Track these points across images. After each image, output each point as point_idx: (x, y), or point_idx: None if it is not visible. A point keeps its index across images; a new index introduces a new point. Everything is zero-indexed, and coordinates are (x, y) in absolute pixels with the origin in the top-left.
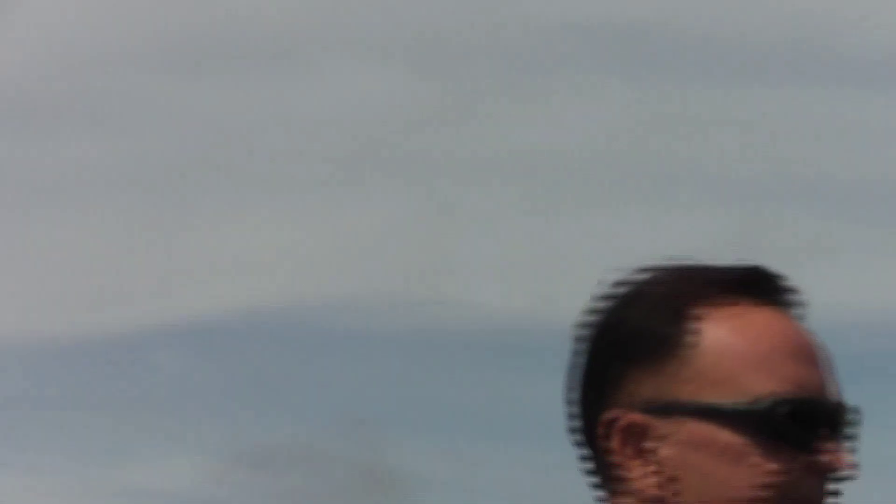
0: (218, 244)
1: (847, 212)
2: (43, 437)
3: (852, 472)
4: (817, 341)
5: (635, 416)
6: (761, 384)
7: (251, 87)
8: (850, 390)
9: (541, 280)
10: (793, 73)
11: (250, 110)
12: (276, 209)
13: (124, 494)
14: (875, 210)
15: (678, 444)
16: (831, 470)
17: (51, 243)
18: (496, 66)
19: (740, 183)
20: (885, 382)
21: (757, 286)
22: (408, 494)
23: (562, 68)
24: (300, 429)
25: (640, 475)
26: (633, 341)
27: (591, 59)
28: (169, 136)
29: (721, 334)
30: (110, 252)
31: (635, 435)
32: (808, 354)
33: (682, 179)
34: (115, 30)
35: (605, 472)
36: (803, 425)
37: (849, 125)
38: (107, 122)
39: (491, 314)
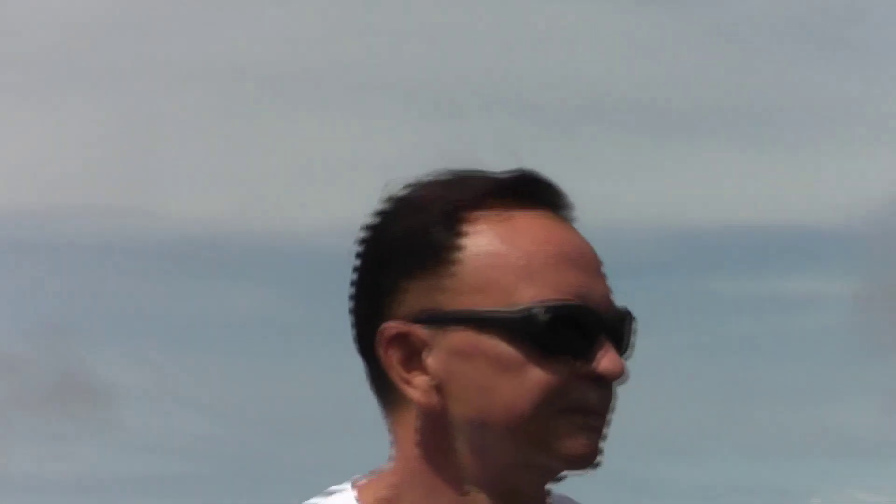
0: None
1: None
2: None
3: (624, 378)
4: (589, 246)
5: (403, 327)
6: (529, 291)
7: None
8: (624, 295)
9: (240, 190)
10: None
11: None
12: None
13: None
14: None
15: (445, 353)
16: (603, 376)
17: None
18: None
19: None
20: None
21: (526, 191)
22: (105, 403)
23: None
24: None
25: (411, 386)
26: (401, 251)
27: None
28: None
29: (488, 241)
30: None
31: (405, 346)
32: (579, 260)
33: (375, 89)
34: None
35: (384, 386)
36: (573, 332)
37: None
38: None
39: (187, 224)
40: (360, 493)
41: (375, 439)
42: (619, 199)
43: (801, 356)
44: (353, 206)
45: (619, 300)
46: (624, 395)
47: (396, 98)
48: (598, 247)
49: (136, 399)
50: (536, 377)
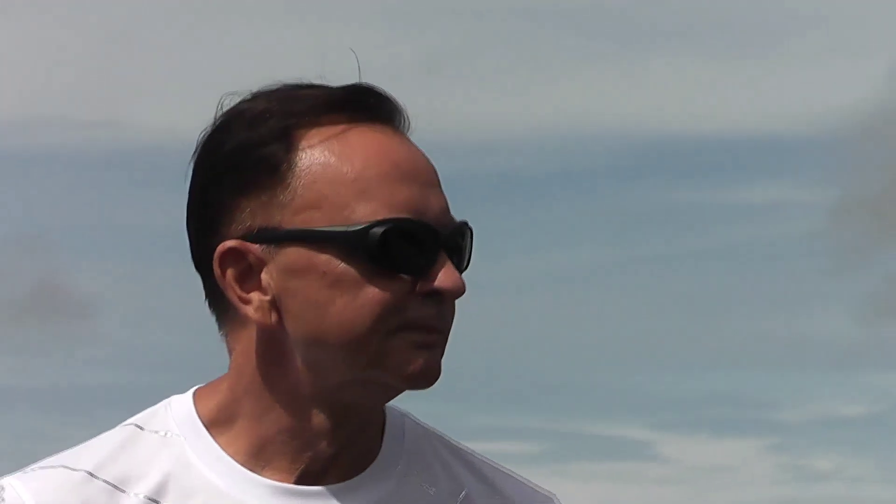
0: None
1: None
2: None
3: (461, 292)
4: (425, 160)
5: (238, 244)
6: (364, 208)
7: None
8: (588, 205)
9: (213, 100)
10: None
11: None
12: None
13: None
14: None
15: (279, 270)
16: (441, 292)
17: None
18: None
19: None
20: (625, 197)
21: (362, 104)
22: (84, 314)
23: None
24: None
25: (247, 304)
26: (235, 166)
27: None
28: None
29: (322, 156)
30: None
31: (241, 263)
32: (414, 174)
33: None
34: None
35: (220, 303)
36: (409, 248)
37: None
38: None
39: (160, 134)
40: (197, 400)
41: None
42: (585, 109)
43: (773, 266)
44: None
45: (583, 209)
46: (599, 304)
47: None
48: (564, 155)
49: (111, 310)
50: (372, 295)
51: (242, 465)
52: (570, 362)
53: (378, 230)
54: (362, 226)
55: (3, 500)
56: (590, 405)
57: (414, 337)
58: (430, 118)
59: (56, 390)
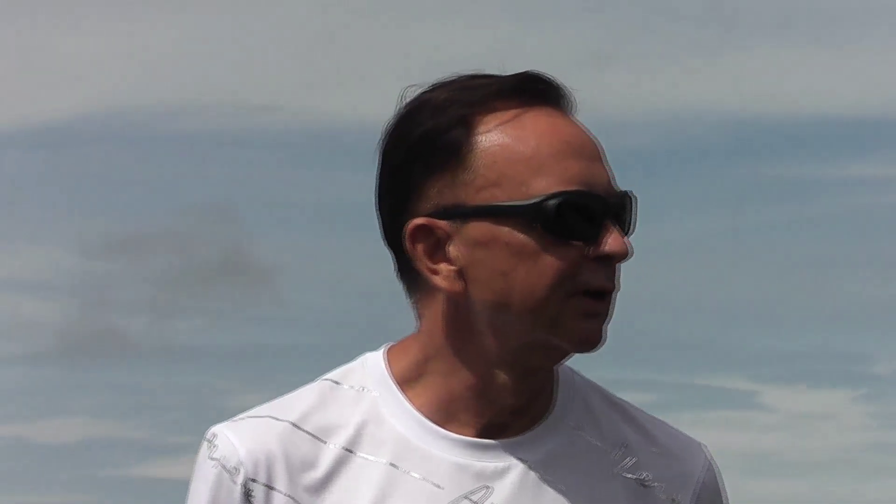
0: (54, 52)
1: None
2: None
3: (628, 255)
4: (589, 137)
5: (426, 221)
6: (539, 183)
7: None
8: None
9: (386, 86)
10: None
11: None
12: (111, 16)
13: None
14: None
15: (465, 243)
16: (609, 255)
17: None
18: None
19: None
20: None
21: (531, 89)
22: (264, 280)
23: None
24: (160, 219)
25: (437, 274)
26: (421, 152)
27: None
28: None
29: (499, 138)
30: None
31: (429, 239)
32: (581, 150)
33: None
34: None
35: (411, 276)
36: (581, 217)
37: None
38: None
39: (331, 119)
40: (389, 356)
41: None
42: (698, 95)
43: (867, 233)
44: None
45: (697, 182)
46: (709, 270)
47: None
48: (682, 136)
49: (289, 277)
50: (549, 262)
51: (429, 419)
52: (684, 322)
53: (553, 202)
54: (539, 199)
55: (215, 446)
56: (701, 360)
57: (585, 305)
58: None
59: (240, 350)
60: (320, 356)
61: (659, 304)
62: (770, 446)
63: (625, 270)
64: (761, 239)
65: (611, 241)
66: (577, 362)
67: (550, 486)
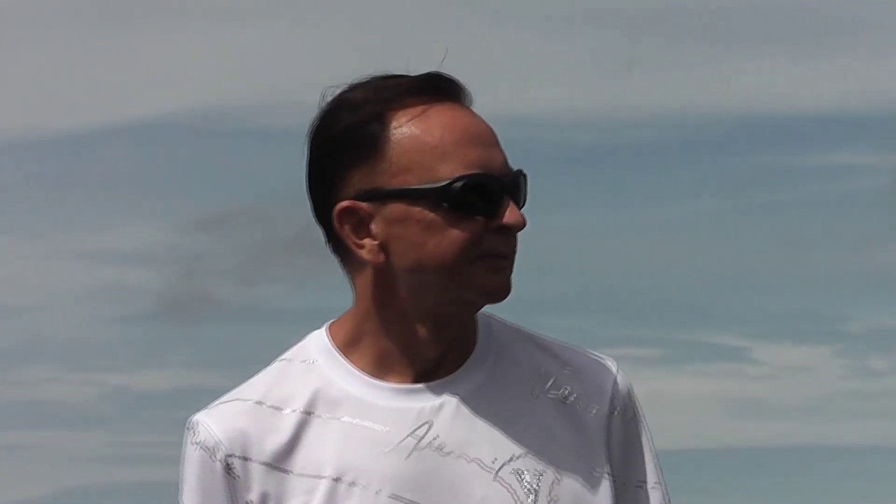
0: (157, 53)
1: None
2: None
3: (522, 225)
4: (486, 126)
5: (351, 204)
6: (445, 168)
7: None
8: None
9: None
10: None
11: None
12: (208, 22)
13: (87, 256)
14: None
15: (384, 221)
16: (508, 227)
17: (14, 58)
18: None
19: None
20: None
21: (436, 87)
22: None
23: None
24: (246, 200)
25: (361, 248)
26: (343, 144)
27: None
28: None
29: (409, 130)
30: (66, 64)
31: (354, 219)
32: (479, 137)
33: None
34: None
35: (341, 251)
36: (481, 196)
37: None
38: None
39: None
40: (330, 331)
41: None
42: (705, 94)
43: (847, 213)
44: None
45: (699, 169)
46: (710, 243)
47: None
48: (687, 129)
49: None
50: (456, 235)
51: (370, 375)
52: (685, 286)
53: (457, 185)
54: (445, 182)
55: (196, 432)
56: (702, 320)
57: (489, 263)
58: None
59: (313, 312)
60: None
61: (668, 272)
62: (759, 394)
63: (638, 243)
64: (754, 217)
65: (508, 215)
66: (596, 326)
67: (482, 414)
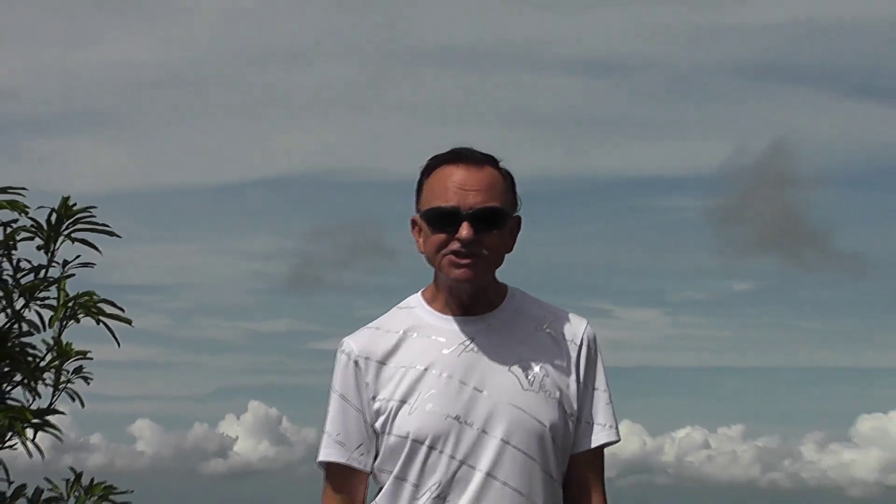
0: (278, 138)
1: None
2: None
3: (468, 240)
4: (477, 177)
5: (414, 217)
6: (431, 201)
7: None
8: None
9: None
10: None
11: None
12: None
13: (242, 254)
14: None
15: (420, 228)
16: (458, 240)
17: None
18: None
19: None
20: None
21: (453, 155)
22: (389, 254)
23: None
24: (343, 221)
25: (417, 240)
26: (417, 186)
27: None
28: None
29: (430, 181)
30: (223, 136)
31: (416, 226)
32: (463, 185)
33: None
34: None
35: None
36: (448, 219)
37: None
38: None
39: None
40: (422, 293)
41: None
42: (596, 163)
43: (674, 234)
44: None
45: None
46: (596, 249)
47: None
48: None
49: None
50: (434, 240)
51: (439, 312)
52: (582, 274)
53: (432, 212)
54: (427, 209)
55: (342, 345)
56: (587, 293)
57: (450, 260)
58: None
59: (379, 288)
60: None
61: (573, 266)
62: (618, 338)
63: (561, 251)
64: (624, 235)
65: (461, 232)
66: (535, 293)
67: (503, 336)
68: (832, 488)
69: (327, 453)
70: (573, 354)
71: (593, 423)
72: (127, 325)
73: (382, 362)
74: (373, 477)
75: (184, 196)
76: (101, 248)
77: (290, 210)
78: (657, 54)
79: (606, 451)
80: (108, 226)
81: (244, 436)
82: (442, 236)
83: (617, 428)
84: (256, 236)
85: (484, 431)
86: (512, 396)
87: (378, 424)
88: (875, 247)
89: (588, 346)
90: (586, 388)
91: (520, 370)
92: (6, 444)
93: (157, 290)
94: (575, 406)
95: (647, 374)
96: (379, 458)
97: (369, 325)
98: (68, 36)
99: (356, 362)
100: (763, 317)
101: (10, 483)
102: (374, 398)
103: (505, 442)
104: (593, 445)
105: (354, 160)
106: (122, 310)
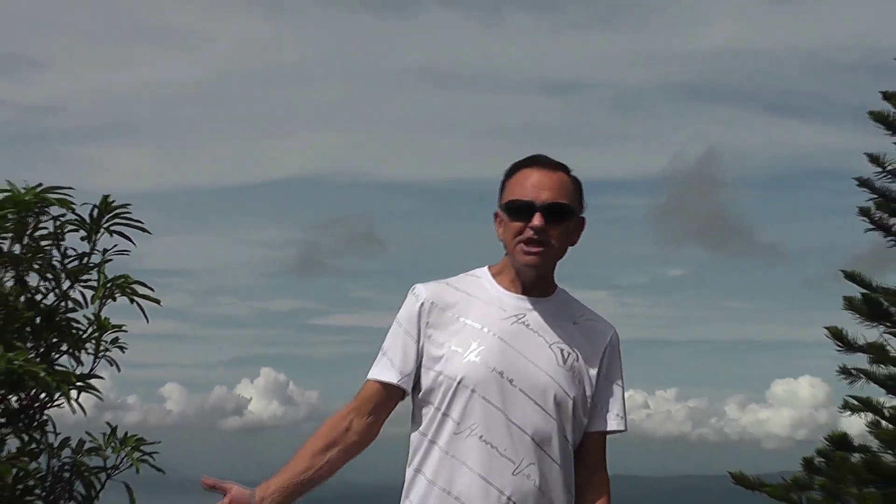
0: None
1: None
2: (213, 225)
3: (539, 228)
4: (551, 180)
5: (497, 211)
6: (510, 195)
7: None
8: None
9: None
10: None
11: None
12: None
13: (252, 243)
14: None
15: (501, 219)
16: (531, 227)
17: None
18: None
19: None
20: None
21: (532, 160)
22: (378, 244)
23: None
24: (344, 214)
25: (498, 229)
26: (502, 184)
27: None
28: None
29: (511, 180)
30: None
31: (497, 217)
32: (539, 184)
33: None
34: None
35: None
36: (524, 211)
37: None
38: None
39: None
40: (490, 268)
41: None
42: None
43: (621, 229)
44: None
45: None
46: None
47: None
48: None
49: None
50: (512, 227)
51: (503, 287)
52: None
53: (511, 204)
54: (507, 202)
55: (414, 289)
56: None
57: (522, 248)
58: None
59: (371, 272)
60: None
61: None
62: None
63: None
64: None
65: (533, 221)
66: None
67: (549, 319)
68: (751, 441)
69: (381, 373)
70: (600, 351)
71: (607, 411)
72: (156, 304)
73: (445, 310)
74: (414, 406)
75: (204, 194)
76: (134, 240)
77: (296, 206)
78: (604, 76)
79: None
80: (141, 221)
81: (257, 397)
82: (518, 224)
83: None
84: (267, 228)
85: (521, 390)
86: (548, 368)
87: (429, 362)
88: (788, 239)
89: (613, 346)
90: (607, 380)
91: (558, 349)
92: (54, 403)
93: (181, 274)
94: (593, 391)
95: None
96: (423, 391)
97: (440, 280)
98: (108, 60)
99: (422, 304)
100: (694, 298)
101: (57, 435)
102: (430, 337)
103: (535, 402)
104: (607, 429)
105: (350, 165)
106: (152, 289)
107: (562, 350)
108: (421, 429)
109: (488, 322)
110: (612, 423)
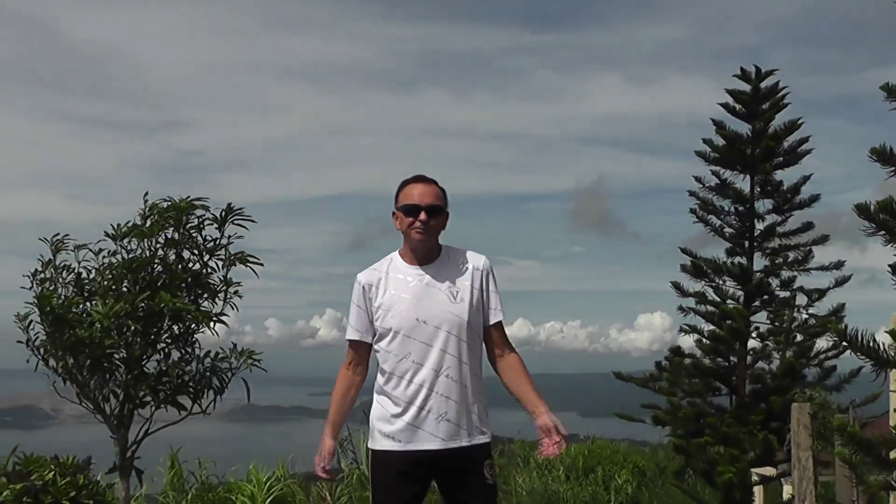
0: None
1: None
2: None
3: (425, 223)
4: (430, 189)
5: (394, 210)
6: (403, 201)
7: None
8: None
9: None
10: None
11: None
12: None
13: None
14: None
15: (397, 216)
16: (419, 221)
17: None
18: None
19: None
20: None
21: (415, 178)
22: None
23: None
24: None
25: (395, 222)
26: (396, 194)
27: None
28: None
29: (402, 193)
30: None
31: (395, 215)
32: (423, 194)
33: None
34: None
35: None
36: (411, 211)
37: None
38: None
39: None
40: (400, 250)
41: None
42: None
43: (547, 219)
44: None
45: None
46: (494, 224)
47: None
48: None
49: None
50: (407, 221)
51: (408, 262)
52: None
53: (405, 206)
54: (402, 205)
55: (357, 278)
56: (491, 254)
57: (411, 232)
58: None
59: (376, 259)
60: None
61: (492, 238)
62: (515, 275)
63: (480, 234)
64: (516, 222)
65: (420, 217)
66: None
67: (440, 272)
68: (625, 353)
69: (351, 334)
70: (478, 275)
71: (490, 309)
72: (261, 267)
73: (376, 286)
74: (375, 350)
75: (291, 204)
76: (248, 228)
77: (349, 211)
78: (529, 130)
79: (509, 333)
80: (251, 217)
81: (324, 328)
82: (410, 219)
83: (503, 311)
84: (330, 224)
85: (436, 326)
86: (447, 306)
87: (376, 320)
88: (646, 229)
89: (487, 269)
90: (486, 292)
91: (448, 292)
92: (200, 331)
93: (277, 252)
94: (479, 303)
95: (531, 296)
96: (376, 338)
97: (369, 267)
98: (231, 121)
99: (363, 286)
100: (590, 266)
101: (202, 350)
102: (372, 304)
103: (447, 332)
104: (493, 321)
105: (382, 186)
106: (259, 260)
107: (451, 291)
108: (379, 363)
109: (403, 287)
110: (498, 316)
